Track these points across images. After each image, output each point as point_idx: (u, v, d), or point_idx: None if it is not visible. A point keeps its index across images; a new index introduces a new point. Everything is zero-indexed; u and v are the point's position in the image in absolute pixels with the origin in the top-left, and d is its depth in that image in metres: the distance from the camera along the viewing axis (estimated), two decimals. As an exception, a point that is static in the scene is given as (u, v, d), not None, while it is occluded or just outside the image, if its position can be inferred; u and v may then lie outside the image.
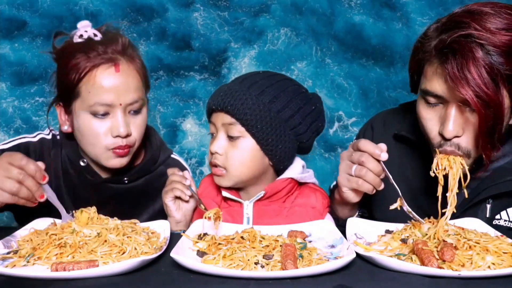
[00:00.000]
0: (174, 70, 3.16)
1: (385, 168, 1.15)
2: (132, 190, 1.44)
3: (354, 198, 1.22)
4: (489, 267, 0.93)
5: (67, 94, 1.30)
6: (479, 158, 1.19)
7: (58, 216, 1.21)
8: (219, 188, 1.34)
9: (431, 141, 1.20)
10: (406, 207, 1.16)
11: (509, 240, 1.05)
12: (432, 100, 1.15)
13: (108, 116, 1.28)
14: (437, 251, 0.97)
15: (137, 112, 1.33)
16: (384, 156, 1.13)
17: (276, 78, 1.27)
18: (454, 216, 1.25)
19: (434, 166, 1.16)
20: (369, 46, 3.17)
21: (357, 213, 1.34)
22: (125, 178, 1.43)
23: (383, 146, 1.14)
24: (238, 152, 1.23)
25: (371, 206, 1.42)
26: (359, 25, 3.16)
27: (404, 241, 1.08)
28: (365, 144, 1.14)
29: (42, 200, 1.15)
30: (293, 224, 1.23)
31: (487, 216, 1.26)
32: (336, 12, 3.15)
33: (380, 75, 3.17)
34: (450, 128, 1.12)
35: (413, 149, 1.36)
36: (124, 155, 1.32)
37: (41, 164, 1.15)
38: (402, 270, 0.93)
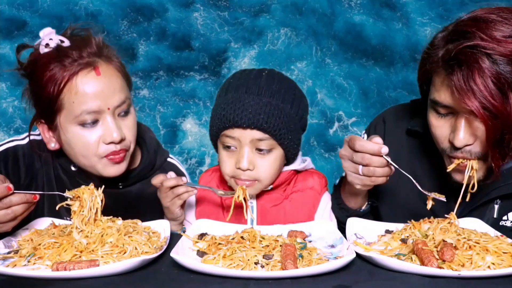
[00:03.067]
0: (174, 70, 3.16)
1: (389, 160, 1.12)
2: (127, 195, 1.40)
3: (366, 189, 1.22)
4: (489, 267, 0.93)
5: (48, 109, 1.21)
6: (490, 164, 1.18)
7: (53, 216, 1.23)
8: (220, 180, 1.36)
9: (441, 145, 1.19)
10: (423, 191, 1.15)
11: (509, 240, 1.05)
12: (442, 110, 1.14)
13: (98, 123, 1.21)
14: (437, 251, 0.98)
15: (126, 113, 1.26)
16: (385, 151, 1.10)
17: (281, 79, 1.28)
18: (461, 215, 1.25)
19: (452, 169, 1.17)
20: (369, 46, 3.18)
21: (366, 203, 1.34)
22: (120, 184, 1.36)
23: (378, 139, 1.13)
24: (269, 163, 1.23)
25: (378, 203, 1.43)
26: (359, 25, 3.16)
27: (404, 241, 1.08)
28: (362, 144, 1.13)
29: (36, 200, 1.09)
30: (296, 218, 1.26)
31: (495, 216, 1.26)
32: (336, 12, 3.16)
33: (380, 75, 3.17)
34: (461, 137, 1.11)
35: (424, 145, 1.35)
36: (121, 161, 1.26)
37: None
38: (402, 270, 0.93)
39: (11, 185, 1.04)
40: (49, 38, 1.21)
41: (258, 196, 1.32)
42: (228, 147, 1.23)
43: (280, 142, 1.22)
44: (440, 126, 1.17)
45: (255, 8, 3.16)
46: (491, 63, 1.03)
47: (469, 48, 1.04)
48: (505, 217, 1.26)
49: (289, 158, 1.29)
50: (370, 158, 1.12)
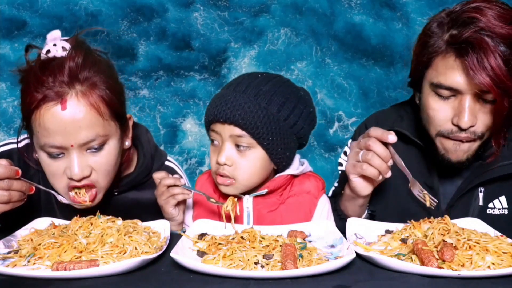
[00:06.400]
0: (174, 70, 3.16)
1: (395, 153, 1.14)
2: (123, 201, 1.36)
3: (363, 188, 1.21)
4: (488, 267, 0.93)
5: (25, 125, 1.18)
6: (485, 143, 1.25)
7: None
8: (214, 188, 1.33)
9: (440, 128, 1.23)
10: (417, 190, 1.18)
11: (509, 240, 1.05)
12: (445, 93, 1.19)
13: (64, 156, 1.14)
14: (437, 251, 0.98)
15: (98, 149, 1.16)
16: (392, 138, 1.12)
17: (278, 83, 1.26)
18: (448, 206, 1.32)
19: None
20: (369, 46, 3.18)
21: (366, 212, 1.34)
22: (115, 190, 1.33)
23: (391, 132, 1.15)
24: (247, 162, 1.22)
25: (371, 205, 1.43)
26: (359, 25, 3.16)
27: (404, 241, 1.08)
28: (374, 129, 1.15)
29: (32, 192, 1.11)
30: (292, 223, 1.24)
31: (480, 204, 1.31)
32: (336, 12, 3.16)
33: (380, 75, 3.18)
34: (466, 119, 1.17)
35: (407, 144, 1.40)
36: (84, 201, 1.19)
37: (4, 162, 1.07)
38: (402, 270, 0.93)
39: (20, 170, 1.06)
40: (53, 43, 1.15)
41: (254, 201, 1.30)
42: (213, 141, 1.24)
43: (258, 141, 1.20)
44: (441, 110, 1.22)
45: (255, 8, 3.16)
46: (497, 46, 1.11)
47: (477, 32, 1.12)
48: (491, 205, 1.32)
49: (276, 163, 1.26)
50: (374, 142, 1.13)
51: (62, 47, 1.14)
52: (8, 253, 1.04)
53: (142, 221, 1.20)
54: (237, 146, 1.21)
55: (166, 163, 1.45)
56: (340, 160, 1.57)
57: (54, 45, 1.15)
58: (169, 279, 0.91)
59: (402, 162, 1.15)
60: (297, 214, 1.30)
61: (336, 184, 1.54)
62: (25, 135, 1.33)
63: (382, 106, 2.96)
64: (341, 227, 1.21)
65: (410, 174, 1.17)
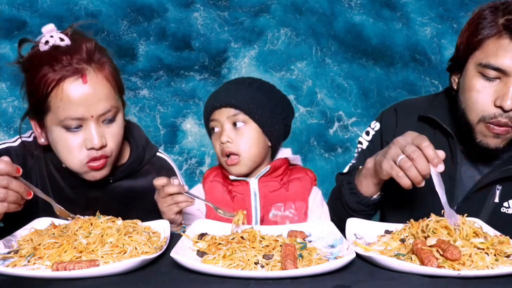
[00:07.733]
0: (174, 70, 3.16)
1: (439, 175, 1.09)
2: (118, 189, 1.42)
3: (385, 177, 1.20)
4: (487, 267, 0.93)
5: (37, 108, 1.25)
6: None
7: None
8: (224, 176, 1.44)
9: (482, 113, 1.26)
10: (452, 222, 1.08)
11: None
12: (492, 74, 1.24)
13: (81, 128, 1.24)
14: (440, 249, 0.97)
15: (111, 120, 1.28)
16: (441, 168, 1.09)
17: (267, 83, 1.46)
18: (463, 199, 1.35)
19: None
20: (369, 46, 3.18)
21: (379, 193, 1.34)
22: (110, 178, 1.39)
23: (441, 154, 1.11)
24: (245, 137, 1.38)
25: (385, 206, 1.44)
26: (359, 25, 3.16)
27: (403, 241, 1.08)
28: (427, 147, 1.10)
29: (30, 197, 1.10)
30: (294, 200, 1.36)
31: (496, 201, 1.34)
32: (336, 12, 3.16)
33: (380, 75, 3.18)
34: (510, 100, 1.21)
35: (435, 133, 1.42)
36: (101, 168, 1.29)
37: (6, 158, 1.08)
38: (402, 270, 0.93)
39: (21, 169, 1.08)
40: (50, 35, 1.22)
41: (259, 184, 1.42)
42: (213, 129, 1.41)
43: (251, 116, 1.37)
44: (484, 91, 1.26)
45: (255, 8, 3.16)
46: None
47: None
48: (506, 204, 1.34)
49: (268, 136, 1.41)
50: (419, 156, 1.10)
51: (60, 38, 1.22)
52: (8, 253, 1.04)
53: (135, 207, 1.26)
54: (234, 125, 1.38)
55: (158, 154, 1.52)
56: (360, 139, 1.60)
57: (51, 36, 1.22)
58: (169, 279, 0.91)
59: (442, 189, 1.11)
60: (298, 191, 1.43)
61: (353, 161, 1.56)
62: (16, 137, 1.39)
63: (382, 106, 2.97)
64: (350, 202, 1.32)
65: (447, 204, 1.11)
